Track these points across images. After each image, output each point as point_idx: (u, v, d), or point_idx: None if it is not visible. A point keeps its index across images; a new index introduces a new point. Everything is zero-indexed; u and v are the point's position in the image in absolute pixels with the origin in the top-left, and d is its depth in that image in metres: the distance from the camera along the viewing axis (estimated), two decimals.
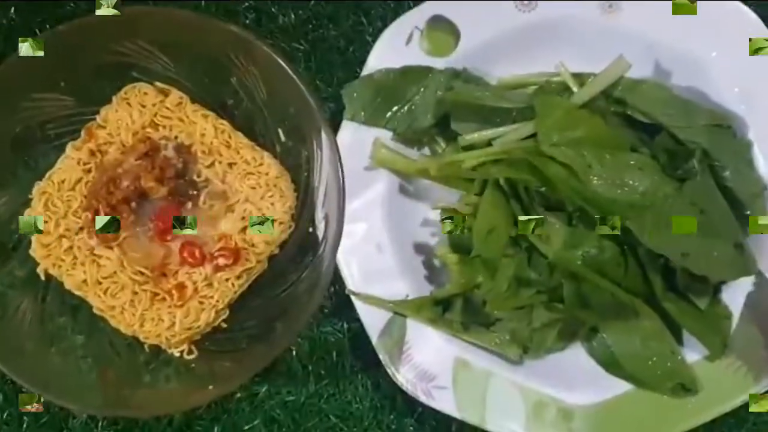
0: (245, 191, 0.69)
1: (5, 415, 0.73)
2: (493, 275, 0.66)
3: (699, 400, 0.68)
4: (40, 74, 0.68)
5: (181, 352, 0.69)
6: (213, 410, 0.73)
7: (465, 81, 0.72)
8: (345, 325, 0.74)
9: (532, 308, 0.69)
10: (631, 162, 0.66)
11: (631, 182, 0.65)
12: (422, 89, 0.72)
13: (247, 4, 0.78)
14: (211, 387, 0.65)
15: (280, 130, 0.71)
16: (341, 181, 0.64)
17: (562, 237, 0.67)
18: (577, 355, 0.71)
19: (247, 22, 0.77)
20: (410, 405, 0.72)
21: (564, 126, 0.66)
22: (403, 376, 0.69)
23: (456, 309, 0.71)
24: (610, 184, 0.65)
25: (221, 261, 0.67)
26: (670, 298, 0.68)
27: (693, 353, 0.69)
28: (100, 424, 0.73)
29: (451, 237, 0.73)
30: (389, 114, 0.72)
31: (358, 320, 0.70)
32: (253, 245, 0.68)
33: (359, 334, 0.71)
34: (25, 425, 0.73)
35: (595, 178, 0.65)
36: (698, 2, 0.70)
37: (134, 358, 0.70)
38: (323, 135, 0.66)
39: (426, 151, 0.74)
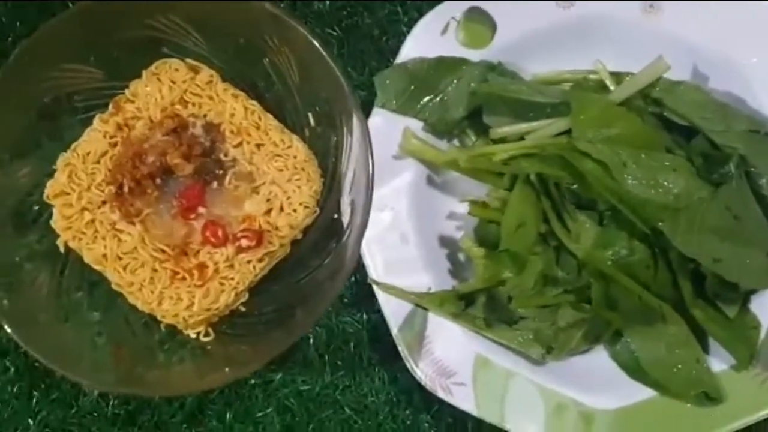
0: (272, 173, 0.68)
1: (15, 388, 0.72)
2: (520, 271, 0.65)
3: (723, 410, 0.66)
4: (71, 45, 0.67)
5: (198, 333, 0.68)
6: (226, 395, 0.72)
7: (500, 74, 0.71)
8: (364, 316, 0.73)
9: (558, 308, 0.67)
10: (666, 163, 0.64)
11: (665, 183, 0.64)
12: (456, 80, 0.71)
13: None
14: (227, 370, 0.64)
15: (310, 115, 0.70)
16: (371, 168, 0.63)
17: (592, 236, 0.66)
18: (599, 358, 0.69)
19: (282, 5, 0.77)
20: (427, 401, 0.71)
21: (600, 123, 0.65)
22: (422, 371, 0.68)
23: (479, 305, 0.69)
24: (645, 185, 0.64)
25: (244, 242, 0.66)
26: (699, 305, 0.67)
27: (719, 362, 0.68)
28: (111, 403, 0.72)
29: (477, 231, 0.72)
30: (421, 104, 0.71)
31: (378, 311, 0.69)
32: (276, 228, 0.67)
33: (378, 326, 0.70)
34: (35, 400, 0.72)
35: (630, 177, 0.63)
36: (740, 6, 0.69)
37: (150, 337, 0.69)
38: (355, 120, 0.64)
39: (456, 143, 0.73)
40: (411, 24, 0.73)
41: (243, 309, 0.69)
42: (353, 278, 0.73)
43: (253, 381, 0.72)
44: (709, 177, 0.65)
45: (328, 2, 0.77)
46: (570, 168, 0.65)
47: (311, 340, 0.72)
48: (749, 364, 0.67)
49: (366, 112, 0.71)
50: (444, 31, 0.71)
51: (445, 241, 0.72)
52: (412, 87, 0.70)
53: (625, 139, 0.64)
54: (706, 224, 0.63)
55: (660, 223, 0.63)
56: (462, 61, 0.71)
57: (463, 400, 0.67)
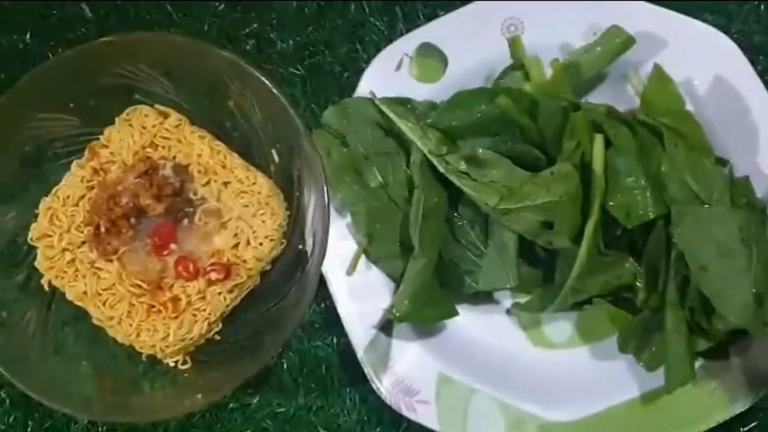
0: (238, 209, 0.72)
1: (11, 419, 0.76)
2: None
3: (676, 419, 0.69)
4: (47, 95, 0.71)
5: (176, 362, 0.72)
6: (207, 419, 0.76)
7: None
8: (334, 340, 0.76)
9: None
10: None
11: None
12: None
13: (247, 30, 0.81)
14: (199, 396, 0.68)
15: (273, 151, 0.74)
16: (326, 200, 0.67)
17: None
18: (557, 372, 0.73)
19: (247, 48, 0.81)
20: (396, 420, 0.74)
21: None
22: (387, 390, 0.71)
23: None
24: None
25: (213, 276, 0.70)
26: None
27: None
28: (100, 429, 0.76)
29: None
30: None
31: (347, 335, 0.73)
32: (244, 261, 0.71)
33: (348, 349, 0.74)
34: (29, 429, 0.76)
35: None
36: None
37: (133, 367, 0.73)
38: (310, 156, 0.68)
39: None
40: (369, 59, 0.77)
41: (218, 337, 0.73)
42: (323, 304, 0.76)
43: (232, 405, 0.76)
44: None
45: (291, 42, 0.81)
46: None
47: (285, 365, 0.76)
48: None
49: None
50: (398, 67, 0.75)
51: None
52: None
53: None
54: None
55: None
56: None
57: (427, 417, 0.71)
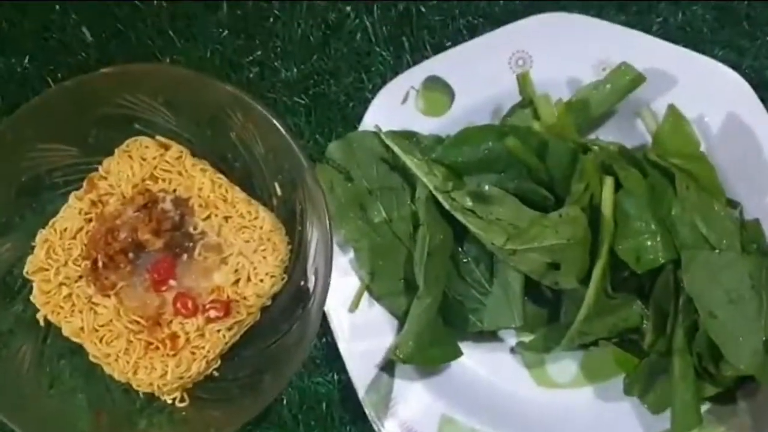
0: (239, 244, 0.70)
1: None
2: None
3: None
4: (47, 126, 0.70)
5: (174, 399, 0.71)
6: None
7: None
8: (335, 377, 0.75)
9: None
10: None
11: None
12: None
13: (251, 57, 0.80)
14: None
15: (276, 184, 0.73)
16: (329, 236, 0.66)
17: None
18: (560, 413, 0.72)
19: (251, 75, 0.80)
20: None
21: None
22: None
23: None
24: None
25: (212, 313, 0.69)
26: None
27: None
28: None
29: None
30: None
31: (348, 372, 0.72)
32: (244, 298, 0.70)
33: (349, 386, 0.72)
34: None
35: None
36: None
37: (130, 403, 0.72)
38: (313, 190, 0.67)
39: None
40: (375, 91, 0.76)
41: (217, 374, 0.72)
42: (324, 340, 0.75)
43: None
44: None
45: (295, 71, 0.79)
46: None
47: (285, 401, 0.75)
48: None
49: None
50: (404, 100, 0.74)
51: None
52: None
53: None
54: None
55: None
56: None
57: None
